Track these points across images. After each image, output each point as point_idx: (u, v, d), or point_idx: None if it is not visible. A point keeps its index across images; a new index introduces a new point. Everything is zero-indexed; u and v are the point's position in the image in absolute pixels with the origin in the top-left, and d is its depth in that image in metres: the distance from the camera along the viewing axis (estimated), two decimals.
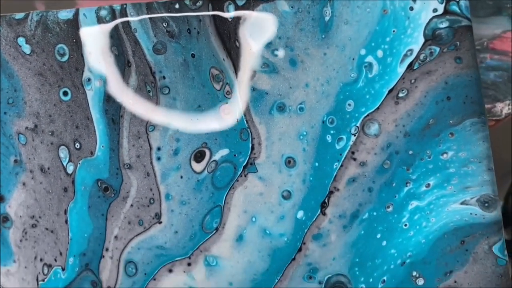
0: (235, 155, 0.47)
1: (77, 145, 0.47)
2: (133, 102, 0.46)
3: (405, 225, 0.47)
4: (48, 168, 0.47)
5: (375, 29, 0.45)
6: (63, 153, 0.47)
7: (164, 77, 0.46)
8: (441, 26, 0.45)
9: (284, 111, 0.46)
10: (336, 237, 0.47)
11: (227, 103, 0.46)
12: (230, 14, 0.45)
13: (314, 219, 0.47)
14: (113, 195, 0.47)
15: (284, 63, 0.46)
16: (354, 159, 0.47)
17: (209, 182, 0.47)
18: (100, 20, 0.45)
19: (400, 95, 0.46)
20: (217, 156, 0.47)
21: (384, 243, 0.47)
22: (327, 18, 0.45)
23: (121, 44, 0.45)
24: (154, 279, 0.47)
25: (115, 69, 0.46)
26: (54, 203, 0.47)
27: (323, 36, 0.45)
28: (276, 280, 0.47)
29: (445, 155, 0.46)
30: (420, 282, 0.47)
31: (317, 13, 0.45)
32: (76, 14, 0.46)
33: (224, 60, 0.46)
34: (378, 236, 0.47)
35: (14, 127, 0.47)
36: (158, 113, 0.46)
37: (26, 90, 0.47)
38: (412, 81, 0.46)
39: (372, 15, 0.45)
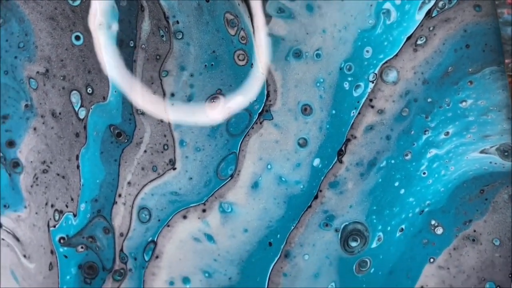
0: (250, 102, 0.52)
1: (89, 90, 0.52)
2: (146, 48, 0.51)
3: (424, 173, 0.51)
4: (60, 113, 0.52)
5: None
6: (75, 98, 0.52)
7: (177, 22, 0.51)
8: None
9: (301, 57, 0.51)
10: (353, 185, 0.51)
11: (242, 48, 0.51)
12: None
13: (330, 166, 0.52)
14: (126, 140, 0.51)
15: (300, 8, 0.51)
16: (372, 107, 0.51)
17: (223, 129, 0.52)
18: None
19: (419, 42, 0.51)
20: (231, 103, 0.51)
21: (402, 191, 0.51)
22: None
23: None
24: (168, 226, 0.51)
25: (128, 14, 0.52)
26: (65, 148, 0.52)
27: None
28: (292, 227, 0.51)
29: (464, 103, 0.51)
30: (439, 231, 0.51)
31: None
32: None
33: (239, 4, 0.51)
34: (396, 184, 0.51)
35: (25, 72, 0.52)
36: (172, 58, 0.51)
37: (37, 35, 0.52)
38: (431, 28, 0.51)
39: None
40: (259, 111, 0.52)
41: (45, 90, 0.53)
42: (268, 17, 0.51)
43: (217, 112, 0.53)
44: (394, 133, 0.52)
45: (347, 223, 0.52)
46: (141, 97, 0.52)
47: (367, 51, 0.51)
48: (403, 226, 0.52)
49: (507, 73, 0.58)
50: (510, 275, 0.52)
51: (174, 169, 0.52)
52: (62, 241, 0.52)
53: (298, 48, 0.51)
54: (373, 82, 0.52)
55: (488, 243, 0.52)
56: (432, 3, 0.51)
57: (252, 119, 0.52)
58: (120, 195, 0.52)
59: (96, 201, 0.52)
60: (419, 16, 0.51)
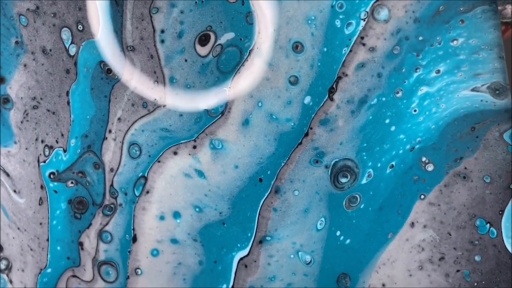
0: (240, 39, 0.61)
1: (80, 27, 0.61)
2: None
3: (415, 110, 0.61)
4: (50, 50, 0.62)
5: None
6: (66, 35, 0.61)
7: None
8: None
9: None
10: (343, 122, 0.61)
11: None
12: None
13: (321, 104, 0.61)
14: (116, 77, 0.61)
15: None
16: (363, 44, 0.61)
17: (214, 66, 0.61)
18: None
19: None
20: (222, 40, 0.61)
21: (393, 128, 0.61)
22: None
23: None
24: (159, 161, 0.61)
25: None
26: (56, 84, 0.62)
27: None
28: (282, 164, 0.61)
29: (455, 42, 0.61)
30: (430, 168, 0.61)
31: None
32: None
33: None
34: (387, 121, 0.61)
35: (15, 8, 0.61)
36: None
37: None
38: None
39: None
40: (250, 49, 0.62)
41: (36, 27, 0.63)
42: None
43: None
44: (385, 70, 0.61)
45: (337, 159, 0.62)
46: (131, 35, 0.62)
47: None
48: (393, 163, 0.62)
49: (500, 20, 0.67)
50: (500, 212, 0.62)
51: (164, 105, 0.62)
52: (52, 176, 0.62)
53: None
54: (364, 20, 0.61)
55: (478, 180, 0.62)
56: None
57: (243, 56, 0.62)
58: (110, 131, 0.62)
59: (86, 136, 0.62)
60: None
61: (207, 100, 0.62)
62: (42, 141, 0.62)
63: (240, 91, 0.62)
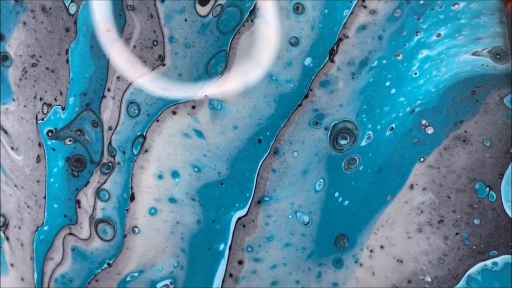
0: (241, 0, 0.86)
1: None
2: None
3: (415, 73, 0.86)
4: (50, 8, 0.87)
5: None
6: None
7: None
8: None
9: None
10: (344, 84, 0.87)
11: None
12: None
13: (322, 66, 0.85)
14: (116, 36, 0.87)
15: None
16: (365, 7, 0.85)
17: (214, 26, 0.87)
18: None
19: None
20: (222, 0, 0.86)
21: (393, 91, 0.86)
22: None
23: None
24: (157, 121, 0.87)
25: None
26: (55, 43, 0.88)
27: None
28: (282, 125, 0.86)
29: (456, 6, 0.85)
30: (430, 130, 0.86)
31: None
32: None
33: None
34: (387, 84, 0.86)
35: None
36: None
37: None
38: None
39: None
40: (251, 9, 0.86)
41: None
42: None
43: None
44: (386, 33, 0.86)
45: (337, 121, 0.86)
46: None
47: None
48: (393, 125, 0.87)
49: None
50: (500, 176, 0.87)
51: (164, 65, 0.88)
52: (50, 134, 0.88)
53: None
54: None
55: (478, 144, 0.86)
56: None
57: (243, 16, 0.86)
58: (109, 90, 0.88)
59: (85, 95, 0.88)
60: None
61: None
62: (41, 99, 0.88)
63: (240, 52, 0.88)
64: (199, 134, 0.82)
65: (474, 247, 0.83)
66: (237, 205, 0.83)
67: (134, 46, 0.80)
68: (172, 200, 0.83)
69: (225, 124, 0.81)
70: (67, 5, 0.79)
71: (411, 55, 0.80)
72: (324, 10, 0.79)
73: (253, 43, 0.80)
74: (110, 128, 0.81)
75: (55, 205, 0.86)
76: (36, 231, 0.87)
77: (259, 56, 0.80)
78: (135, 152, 0.82)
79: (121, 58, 0.79)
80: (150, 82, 0.80)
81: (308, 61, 0.81)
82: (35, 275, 0.88)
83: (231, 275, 0.85)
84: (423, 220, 0.84)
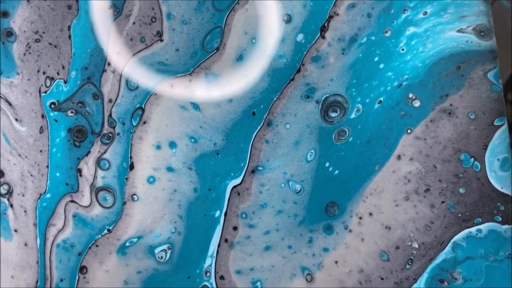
0: None
1: None
2: None
3: (402, 49, 1.08)
4: None
5: None
6: None
7: None
8: None
9: None
10: (334, 59, 1.11)
11: None
12: None
13: (313, 42, 1.04)
14: (116, 13, 1.16)
15: None
16: None
17: (210, 3, 1.07)
18: None
19: None
20: None
21: (382, 66, 1.09)
22: None
23: None
24: (156, 94, 1.15)
25: None
26: (58, 19, 1.12)
27: None
28: (275, 98, 1.10)
29: None
30: (417, 104, 1.10)
31: None
32: None
33: None
34: (376, 59, 1.10)
35: None
36: None
37: None
38: None
39: None
40: None
41: None
42: None
43: None
44: (375, 11, 1.05)
45: (327, 95, 1.04)
46: None
47: None
48: (381, 99, 1.05)
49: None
50: (484, 147, 1.03)
51: (162, 40, 1.12)
52: (52, 106, 1.11)
53: None
54: None
55: (463, 117, 1.02)
56: None
57: None
58: (109, 64, 1.13)
59: (86, 69, 1.11)
60: None
61: None
62: (44, 73, 1.10)
63: (235, 28, 1.15)
64: (196, 107, 1.03)
65: (460, 215, 1.03)
66: (232, 174, 1.05)
67: (134, 23, 1.00)
68: (169, 169, 1.05)
69: (220, 97, 1.03)
70: None
71: (398, 32, 1.00)
72: None
73: (247, 20, 1.00)
74: (110, 101, 1.03)
75: (57, 174, 1.07)
76: (39, 198, 1.09)
77: (253, 33, 1.00)
78: (134, 123, 1.04)
79: (121, 34, 1.03)
80: (148, 57, 1.03)
81: (300, 37, 1.01)
82: (38, 241, 1.08)
83: (226, 240, 1.07)
84: (410, 188, 1.04)
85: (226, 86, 1.03)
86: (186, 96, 1.04)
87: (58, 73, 1.05)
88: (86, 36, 1.03)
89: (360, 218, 1.08)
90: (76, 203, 1.10)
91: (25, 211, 1.11)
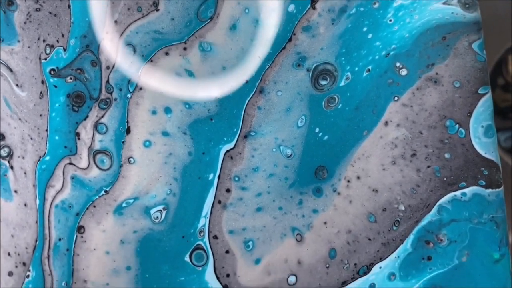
0: None
1: None
2: None
3: (390, 20, 1.26)
4: None
5: None
6: None
7: None
8: None
9: None
10: (324, 29, 1.33)
11: None
12: None
13: (304, 12, 1.16)
14: None
15: None
16: None
17: None
18: None
19: None
20: None
21: (370, 36, 1.29)
22: None
23: None
24: (151, 61, 1.31)
25: None
26: None
27: None
28: (267, 66, 1.31)
29: None
30: (403, 72, 1.30)
31: None
32: None
33: None
34: (364, 29, 1.29)
35: None
36: None
37: None
38: None
39: None
40: None
41: None
42: None
43: None
44: None
45: (317, 63, 1.20)
46: None
47: None
48: (369, 67, 1.21)
49: None
50: (468, 114, 1.23)
51: (157, 10, 1.30)
52: (52, 72, 1.30)
53: None
54: None
55: (449, 85, 1.20)
56: None
57: None
58: (107, 32, 1.44)
59: (85, 37, 1.30)
60: None
61: None
62: (44, 41, 1.28)
63: None
64: (190, 73, 1.22)
65: (445, 179, 1.23)
66: (225, 139, 1.24)
67: None
68: (165, 133, 1.24)
69: (214, 65, 1.22)
70: None
71: (386, 3, 1.18)
72: None
73: None
74: (107, 67, 1.22)
75: (56, 137, 1.26)
76: (39, 160, 1.27)
77: (245, 3, 1.19)
78: (130, 89, 1.23)
79: (118, 4, 1.21)
80: (145, 26, 1.22)
81: (291, 7, 1.20)
82: (37, 201, 1.22)
83: (219, 202, 1.25)
84: (397, 153, 1.24)
85: (220, 54, 1.23)
86: (181, 63, 1.24)
87: (57, 41, 1.24)
88: (85, 6, 1.22)
89: (348, 181, 1.27)
90: (74, 165, 1.28)
91: (25, 173, 1.29)
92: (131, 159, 1.29)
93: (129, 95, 1.27)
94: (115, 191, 1.25)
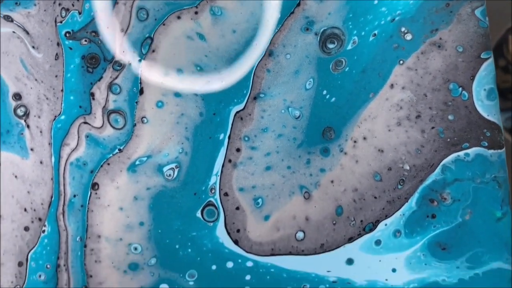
0: None
1: None
2: None
3: None
4: None
5: None
6: None
7: None
8: None
9: None
10: None
11: None
12: None
13: None
14: None
15: None
16: None
17: None
18: None
19: None
20: None
21: (376, 1, 1.27)
22: None
23: None
24: (164, 24, 1.37)
25: None
26: None
27: None
28: (276, 30, 1.46)
29: None
30: (408, 37, 1.38)
31: None
32: None
33: None
34: None
35: None
36: None
37: None
38: None
39: None
40: None
41: None
42: None
43: None
44: None
45: (325, 28, 1.29)
46: None
47: None
48: (375, 32, 1.33)
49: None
50: (471, 78, 1.34)
51: None
52: (67, 34, 1.39)
53: None
54: None
55: (452, 50, 1.31)
56: None
57: None
58: None
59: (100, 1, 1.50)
60: None
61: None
62: (59, 4, 1.34)
63: None
64: (201, 37, 1.30)
65: (448, 139, 1.29)
66: (235, 100, 1.31)
67: None
68: (177, 94, 1.32)
69: (224, 28, 1.29)
70: None
71: None
72: None
73: None
74: (121, 30, 1.30)
75: (71, 97, 1.33)
76: (54, 120, 1.32)
77: None
78: (143, 51, 1.30)
79: None
80: None
81: None
82: (53, 159, 1.27)
83: (230, 161, 1.31)
84: (402, 115, 1.31)
85: (230, 17, 1.30)
86: (192, 26, 1.30)
87: (73, 5, 1.32)
88: None
89: (355, 141, 1.33)
90: (89, 124, 1.34)
91: (40, 132, 1.35)
92: (144, 118, 1.34)
93: (142, 57, 1.33)
94: (129, 149, 1.30)
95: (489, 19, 1.26)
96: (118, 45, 1.34)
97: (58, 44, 1.35)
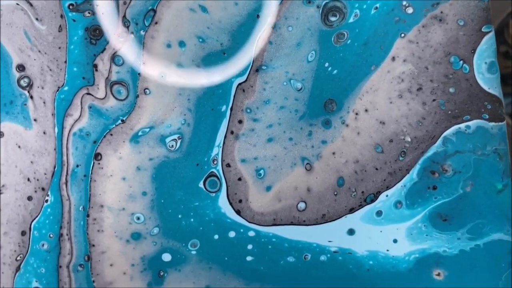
0: None
1: None
2: None
3: None
4: None
5: None
6: None
7: None
8: None
9: None
10: None
11: None
12: None
13: None
14: None
15: None
16: None
17: None
18: None
19: None
20: None
21: None
22: None
23: None
24: None
25: None
26: None
27: None
28: (279, 3, 1.49)
29: None
30: (410, 10, 1.33)
31: None
32: None
33: None
34: None
35: None
36: None
37: None
38: None
39: None
40: None
41: None
42: None
43: None
44: None
45: (327, 0, 1.34)
46: None
47: None
48: (377, 5, 1.34)
49: None
50: (472, 51, 1.39)
51: None
52: (71, 7, 1.39)
53: None
54: None
55: (453, 23, 1.35)
56: None
57: None
58: None
59: None
60: None
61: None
62: None
63: None
64: (204, 9, 1.33)
65: (449, 112, 1.32)
66: (237, 72, 1.36)
67: None
68: (179, 65, 1.35)
69: (227, 1, 1.32)
70: None
71: None
72: None
73: None
74: (124, 3, 1.32)
75: (75, 69, 1.36)
76: (57, 91, 1.34)
77: None
78: (146, 23, 1.33)
79: None
80: None
81: None
82: (56, 129, 1.29)
83: (232, 132, 1.33)
84: (404, 87, 1.34)
85: None
86: None
87: None
88: None
89: (357, 114, 1.36)
90: (92, 95, 1.37)
91: (44, 102, 1.38)
92: (147, 90, 1.37)
93: (144, 29, 1.37)
94: (132, 120, 1.32)
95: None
96: (121, 17, 1.35)
97: (61, 16, 1.37)
